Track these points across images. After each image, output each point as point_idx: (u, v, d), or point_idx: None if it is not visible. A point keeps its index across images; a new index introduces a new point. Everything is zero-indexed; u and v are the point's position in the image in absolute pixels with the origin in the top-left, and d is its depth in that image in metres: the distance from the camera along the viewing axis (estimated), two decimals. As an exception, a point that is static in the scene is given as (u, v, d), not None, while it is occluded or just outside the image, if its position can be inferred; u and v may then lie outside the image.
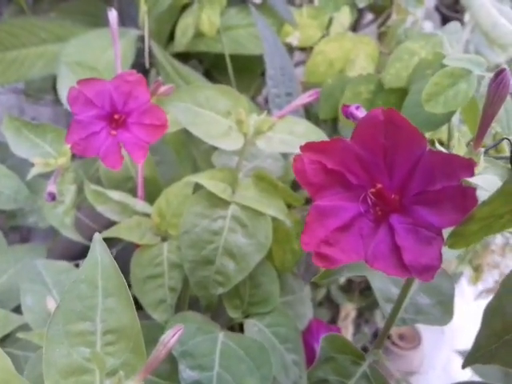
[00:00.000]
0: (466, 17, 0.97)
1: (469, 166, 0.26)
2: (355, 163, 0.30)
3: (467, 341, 0.41)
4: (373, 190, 0.30)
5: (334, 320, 1.05)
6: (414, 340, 1.25)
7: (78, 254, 0.76)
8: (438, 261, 0.27)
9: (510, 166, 0.36)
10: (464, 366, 0.42)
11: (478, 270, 1.08)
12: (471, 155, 0.35)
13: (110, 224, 0.62)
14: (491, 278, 1.10)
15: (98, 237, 0.38)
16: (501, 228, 0.29)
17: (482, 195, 0.28)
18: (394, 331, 1.24)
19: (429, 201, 0.28)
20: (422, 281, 0.27)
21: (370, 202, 0.30)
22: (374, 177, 0.30)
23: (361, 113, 0.40)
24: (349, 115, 0.40)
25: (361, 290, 1.09)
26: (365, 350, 0.48)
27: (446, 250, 0.31)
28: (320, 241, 0.29)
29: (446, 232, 0.28)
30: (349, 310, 1.06)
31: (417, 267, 0.28)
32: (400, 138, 0.28)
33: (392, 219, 0.29)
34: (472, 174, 0.26)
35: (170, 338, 0.36)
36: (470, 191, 0.27)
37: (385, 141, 0.29)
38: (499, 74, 0.33)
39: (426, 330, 1.27)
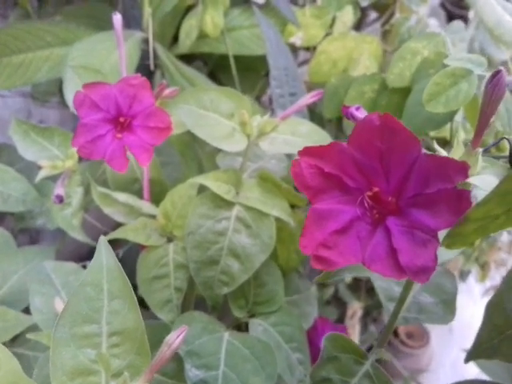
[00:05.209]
0: (471, 13, 0.97)
1: (463, 169, 0.27)
2: (352, 167, 0.30)
3: (476, 338, 0.41)
4: (369, 193, 0.30)
5: (341, 319, 1.05)
6: (423, 338, 1.25)
7: (86, 255, 0.77)
8: (434, 262, 0.28)
9: (509, 165, 0.37)
10: (467, 361, 0.42)
11: (484, 267, 1.08)
12: (469, 155, 0.35)
13: (117, 225, 0.62)
14: (499, 276, 1.10)
15: (103, 240, 0.39)
16: (497, 228, 0.30)
17: (480, 195, 0.29)
18: (402, 330, 1.24)
19: (424, 203, 0.29)
20: (417, 282, 0.28)
21: (367, 205, 0.30)
22: (370, 180, 0.30)
23: (361, 113, 0.40)
24: (349, 116, 0.40)
25: (368, 288, 1.09)
26: (372, 348, 0.48)
27: (444, 251, 0.31)
28: (318, 244, 0.30)
29: (441, 234, 0.29)
30: (356, 308, 1.06)
31: (412, 269, 0.28)
32: (396, 142, 0.29)
33: (389, 222, 0.30)
34: (466, 177, 0.27)
35: (175, 339, 0.36)
36: (465, 193, 0.27)
37: (381, 145, 0.29)
38: (495, 75, 0.34)
39: (434, 329, 1.27)
